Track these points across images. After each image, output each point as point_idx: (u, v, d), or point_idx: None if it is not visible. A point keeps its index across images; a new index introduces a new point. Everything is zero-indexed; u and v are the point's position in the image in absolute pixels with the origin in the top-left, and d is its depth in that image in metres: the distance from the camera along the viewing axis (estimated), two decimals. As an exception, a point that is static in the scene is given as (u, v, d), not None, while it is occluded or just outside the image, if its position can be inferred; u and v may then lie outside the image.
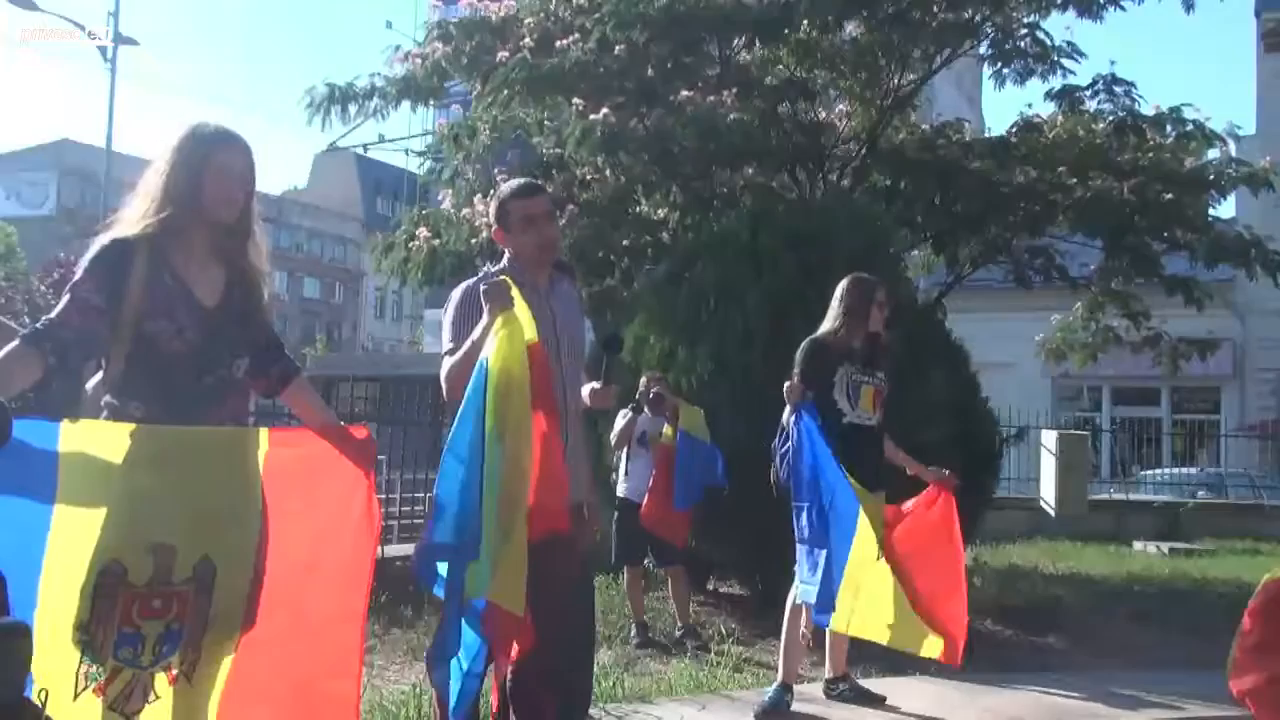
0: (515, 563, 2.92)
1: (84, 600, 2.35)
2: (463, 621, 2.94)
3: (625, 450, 6.72)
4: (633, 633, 6.48)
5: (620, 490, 6.69)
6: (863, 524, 4.56)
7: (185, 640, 2.47)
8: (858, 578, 4.60)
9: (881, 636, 4.75)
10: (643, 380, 6.71)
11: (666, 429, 6.46)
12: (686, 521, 6.49)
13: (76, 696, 2.34)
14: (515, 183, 3.65)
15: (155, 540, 2.43)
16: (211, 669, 2.55)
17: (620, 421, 6.65)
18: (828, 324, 5.02)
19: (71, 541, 2.36)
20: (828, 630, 4.98)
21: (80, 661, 2.35)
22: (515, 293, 3.08)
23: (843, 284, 5.07)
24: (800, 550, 4.71)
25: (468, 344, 3.19)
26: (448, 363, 3.31)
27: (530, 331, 3.05)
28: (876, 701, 5.01)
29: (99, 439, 2.45)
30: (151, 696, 2.44)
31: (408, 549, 7.26)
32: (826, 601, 4.62)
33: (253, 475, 2.62)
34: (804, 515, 4.67)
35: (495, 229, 3.54)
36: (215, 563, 2.50)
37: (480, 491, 2.88)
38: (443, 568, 2.95)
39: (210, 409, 2.63)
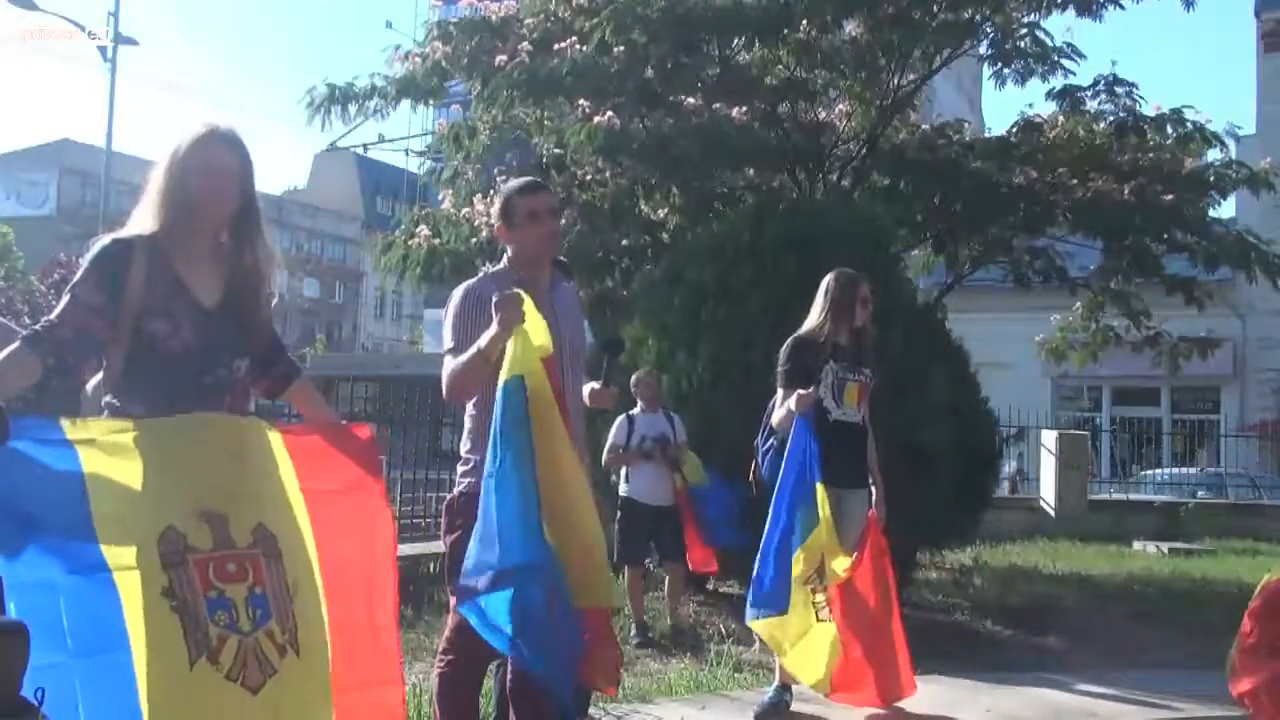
0: (597, 560, 3.00)
1: (156, 569, 2.29)
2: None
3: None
4: (633, 632, 6.48)
5: (623, 490, 6.69)
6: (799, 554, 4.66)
7: (275, 605, 2.41)
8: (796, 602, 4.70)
9: (789, 662, 4.85)
10: (633, 378, 6.69)
11: (677, 478, 6.56)
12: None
13: (192, 667, 2.26)
14: (520, 180, 3.67)
15: (203, 507, 2.39)
16: (315, 637, 2.48)
17: (614, 432, 6.63)
18: (812, 321, 4.99)
19: (119, 518, 2.31)
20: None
21: (183, 628, 2.28)
22: (529, 305, 3.08)
23: (826, 280, 5.04)
24: (766, 544, 4.72)
25: (473, 350, 3.18)
26: (449, 363, 3.32)
27: (545, 344, 3.06)
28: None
29: (106, 430, 2.45)
30: (269, 669, 2.36)
31: (407, 549, 7.26)
32: (776, 596, 4.67)
33: (274, 457, 2.59)
34: (780, 514, 4.68)
35: (498, 226, 3.53)
36: (274, 531, 2.47)
37: (538, 509, 2.88)
38: (489, 601, 2.90)
39: (210, 409, 2.63)
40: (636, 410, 6.67)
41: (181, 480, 2.41)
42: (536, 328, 3.07)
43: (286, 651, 2.40)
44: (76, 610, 2.17)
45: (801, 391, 4.69)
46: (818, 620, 4.74)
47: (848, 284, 4.97)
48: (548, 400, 3.02)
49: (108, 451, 2.38)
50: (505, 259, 3.56)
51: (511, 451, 2.90)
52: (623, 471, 6.73)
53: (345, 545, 2.64)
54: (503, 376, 2.98)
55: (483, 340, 3.16)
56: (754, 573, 4.78)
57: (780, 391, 4.93)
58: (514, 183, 3.61)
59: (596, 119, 8.43)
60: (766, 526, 4.75)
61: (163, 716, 2.16)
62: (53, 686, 2.04)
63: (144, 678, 2.18)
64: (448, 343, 3.37)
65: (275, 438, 2.64)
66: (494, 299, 3.10)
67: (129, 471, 2.37)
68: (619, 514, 6.67)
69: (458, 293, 3.47)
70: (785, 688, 4.89)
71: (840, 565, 4.72)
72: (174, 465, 2.42)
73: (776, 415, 4.92)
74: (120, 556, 2.27)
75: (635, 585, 6.67)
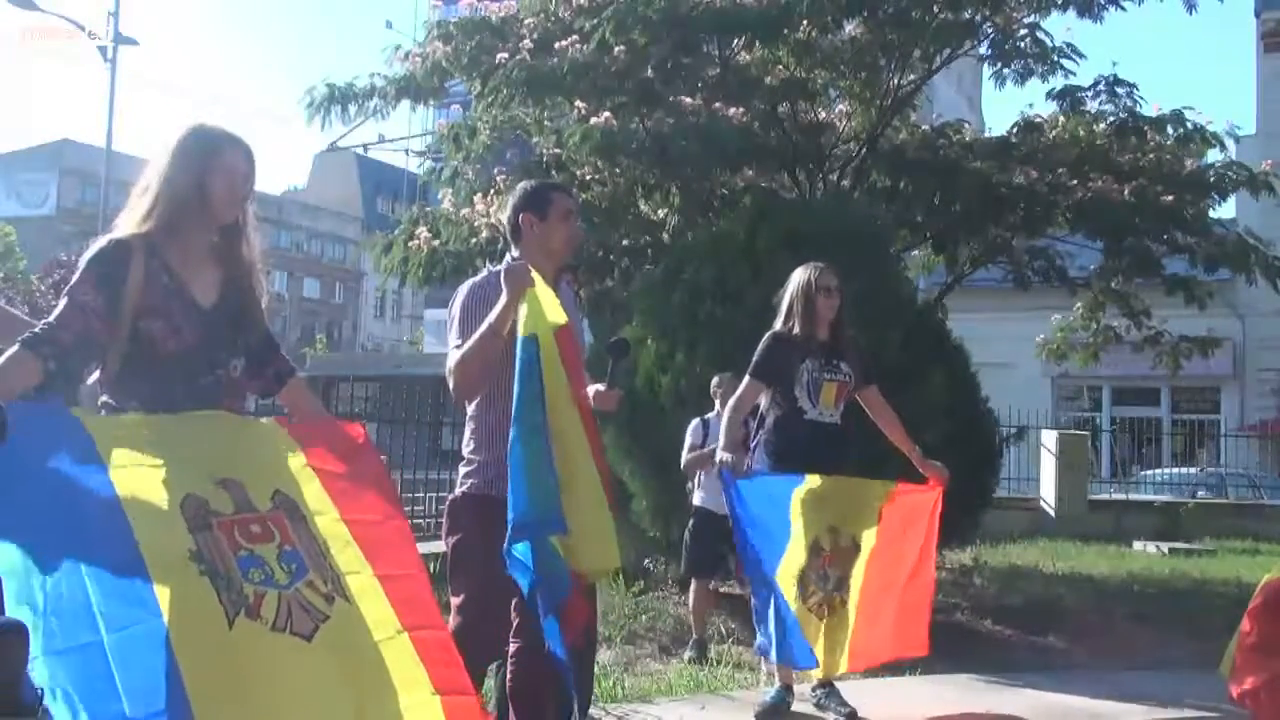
0: (601, 528, 3.07)
1: (182, 534, 2.26)
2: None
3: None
4: (689, 648, 6.21)
5: (696, 499, 6.44)
6: (783, 573, 4.55)
7: (310, 560, 2.38)
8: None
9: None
10: (715, 379, 6.45)
11: None
12: None
13: (231, 625, 2.22)
14: (550, 181, 3.74)
15: (218, 476, 2.39)
16: (364, 583, 2.45)
17: (690, 434, 6.42)
18: (780, 319, 4.91)
19: (139, 488, 2.30)
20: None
21: (215, 590, 2.24)
22: (536, 275, 3.10)
23: (791, 276, 4.95)
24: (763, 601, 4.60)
25: (483, 327, 3.19)
26: (455, 355, 3.31)
27: (557, 313, 3.09)
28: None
29: (111, 419, 2.47)
30: (320, 616, 2.31)
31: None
32: (804, 654, 4.56)
33: (278, 441, 2.60)
34: (760, 570, 4.59)
35: (525, 215, 3.50)
36: (292, 498, 2.46)
37: (553, 466, 2.94)
38: (520, 550, 2.94)
39: (207, 409, 2.62)
40: (713, 414, 6.39)
41: (192, 455, 2.42)
42: (547, 298, 3.09)
43: (334, 599, 2.37)
44: (104, 586, 2.15)
45: (734, 460, 4.61)
46: (819, 618, 4.65)
47: (805, 277, 4.87)
48: (555, 366, 3.05)
49: (118, 432, 2.40)
50: (510, 257, 3.56)
51: (528, 408, 2.95)
52: (695, 479, 6.48)
53: (366, 511, 2.61)
54: (519, 333, 3.03)
55: (492, 314, 3.17)
56: (769, 625, 4.59)
57: (746, 379, 4.84)
58: (545, 182, 3.68)
59: (593, 120, 8.43)
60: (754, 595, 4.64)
61: (204, 678, 2.13)
62: (87, 666, 2.06)
63: (180, 643, 2.14)
64: (454, 341, 3.36)
65: (276, 427, 2.66)
66: (502, 270, 3.15)
67: (141, 447, 2.37)
68: (691, 523, 6.44)
69: (463, 290, 3.47)
70: (786, 688, 4.87)
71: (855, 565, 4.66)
72: (183, 443, 2.44)
73: (730, 402, 4.83)
74: (144, 527, 2.25)
75: (702, 599, 6.37)
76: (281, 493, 2.46)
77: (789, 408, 4.77)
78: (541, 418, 2.95)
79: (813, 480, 4.60)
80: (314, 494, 2.52)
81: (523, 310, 3.05)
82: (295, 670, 2.27)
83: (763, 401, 4.88)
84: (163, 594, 2.17)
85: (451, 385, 3.35)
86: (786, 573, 4.56)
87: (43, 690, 2.06)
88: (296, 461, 2.56)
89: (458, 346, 3.32)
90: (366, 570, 2.48)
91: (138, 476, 2.32)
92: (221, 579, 2.25)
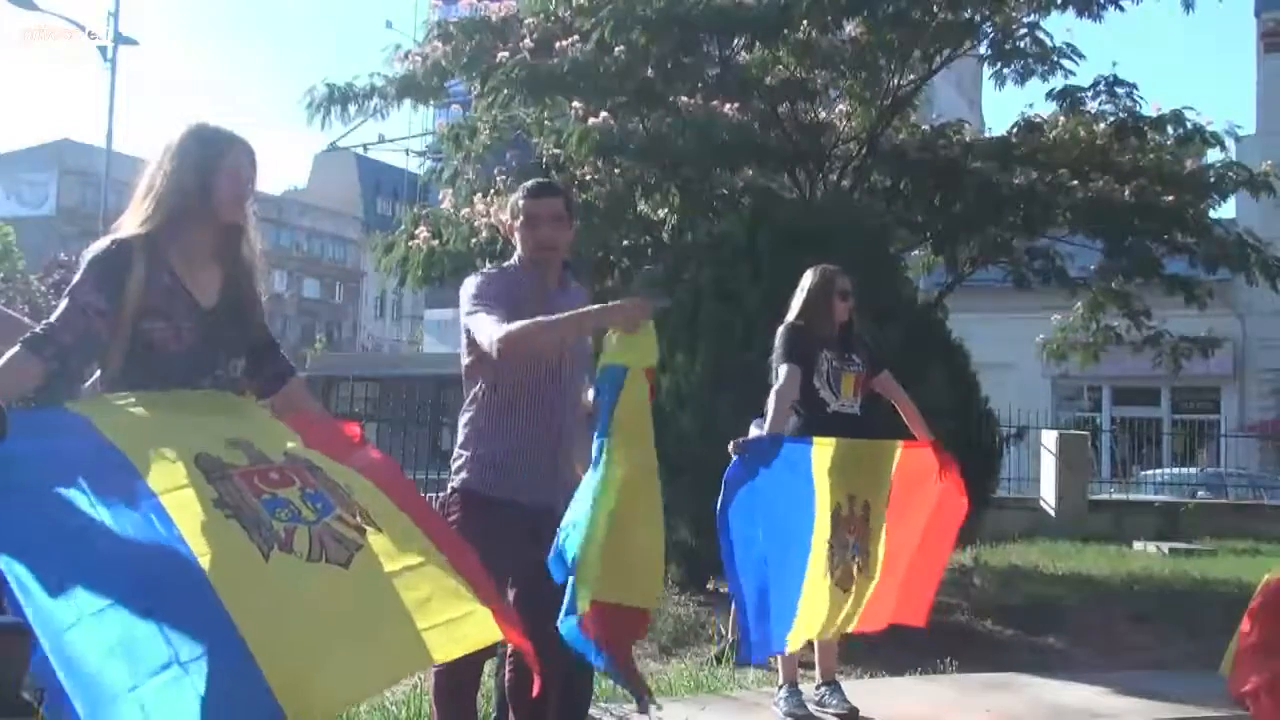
0: (653, 561, 3.18)
1: (202, 483, 2.28)
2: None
3: None
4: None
5: None
6: (815, 544, 4.44)
7: (335, 499, 2.40)
8: (812, 599, 4.45)
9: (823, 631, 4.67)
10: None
11: None
12: None
13: (267, 559, 2.22)
14: (534, 181, 3.70)
15: (229, 436, 2.41)
16: (392, 521, 2.47)
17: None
18: (791, 317, 4.93)
19: (149, 453, 2.30)
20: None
21: (244, 530, 2.24)
22: (648, 326, 3.12)
23: (805, 276, 4.99)
24: (742, 587, 4.38)
25: (566, 316, 3.19)
26: (486, 319, 3.22)
27: (650, 361, 3.15)
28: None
29: (107, 400, 2.49)
30: (354, 545, 2.34)
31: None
32: (766, 642, 4.41)
33: (279, 424, 2.62)
34: (749, 554, 4.39)
35: (508, 223, 3.62)
36: (305, 456, 2.48)
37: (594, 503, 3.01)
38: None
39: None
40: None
41: (198, 422, 2.44)
42: (648, 345, 3.11)
43: (365, 531, 2.39)
44: (131, 543, 2.16)
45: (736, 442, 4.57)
46: (845, 590, 4.52)
47: (823, 279, 4.91)
48: (644, 403, 3.10)
49: (116, 412, 2.41)
50: (514, 258, 3.58)
51: (605, 436, 3.04)
52: None
53: (380, 474, 2.63)
54: (614, 361, 3.07)
55: (585, 315, 3.22)
56: (742, 618, 4.39)
57: (784, 367, 4.78)
58: (528, 183, 3.64)
59: (591, 120, 8.44)
60: (739, 574, 4.40)
61: (248, 609, 2.12)
62: (127, 619, 2.06)
63: (218, 580, 2.13)
64: (470, 307, 3.30)
65: (271, 416, 2.69)
66: (637, 298, 3.22)
67: (143, 423, 2.39)
68: None
69: (474, 276, 3.46)
70: (795, 687, 4.86)
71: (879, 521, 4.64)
72: (186, 414, 2.46)
73: (774, 391, 4.76)
74: (163, 481, 2.26)
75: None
76: (293, 451, 2.49)
77: (812, 402, 4.77)
78: (602, 455, 3.02)
79: (824, 444, 4.57)
80: (324, 458, 2.54)
81: (620, 340, 3.07)
82: (338, 594, 2.28)
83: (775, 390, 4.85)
84: (193, 540, 2.18)
85: (500, 344, 3.16)
86: (819, 546, 4.45)
87: (43, 691, 2.06)
88: (299, 442, 2.59)
89: (477, 309, 3.26)
90: (395, 510, 2.50)
91: (145, 442, 2.33)
92: (249, 519, 2.26)
